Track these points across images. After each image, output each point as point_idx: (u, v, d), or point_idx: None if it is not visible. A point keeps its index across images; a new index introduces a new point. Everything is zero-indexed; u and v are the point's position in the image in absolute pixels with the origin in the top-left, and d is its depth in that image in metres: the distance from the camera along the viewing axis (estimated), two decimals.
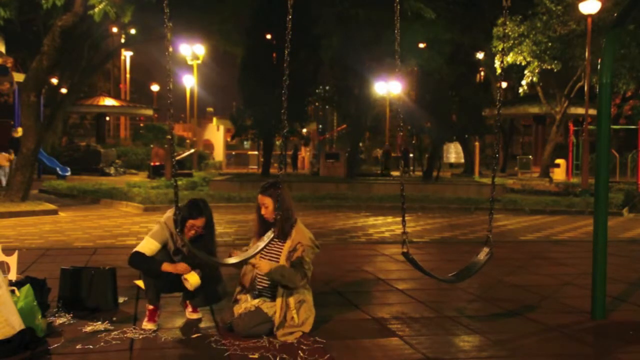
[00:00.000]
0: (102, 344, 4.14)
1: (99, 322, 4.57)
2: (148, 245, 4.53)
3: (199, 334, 4.40)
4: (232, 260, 4.58)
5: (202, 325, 4.65)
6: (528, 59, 22.24)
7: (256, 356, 3.93)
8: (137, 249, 4.53)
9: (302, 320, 4.39)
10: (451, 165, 33.00)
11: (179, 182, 4.43)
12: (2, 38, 19.46)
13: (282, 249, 4.49)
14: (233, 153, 40.11)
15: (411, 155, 29.65)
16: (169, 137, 20.82)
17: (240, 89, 21.65)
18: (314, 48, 20.62)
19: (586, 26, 19.26)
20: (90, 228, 10.46)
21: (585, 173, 19.01)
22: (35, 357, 3.87)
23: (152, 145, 27.30)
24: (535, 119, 35.57)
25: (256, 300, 4.47)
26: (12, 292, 4.12)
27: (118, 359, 3.93)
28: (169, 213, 4.59)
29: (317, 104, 38.69)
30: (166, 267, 4.48)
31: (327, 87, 27.92)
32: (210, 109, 55.24)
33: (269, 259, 4.49)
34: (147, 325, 4.50)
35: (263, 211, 4.51)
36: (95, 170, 24.89)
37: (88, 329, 4.44)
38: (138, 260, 4.51)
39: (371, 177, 23.70)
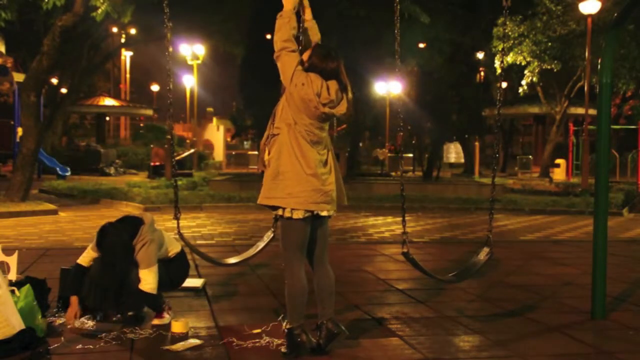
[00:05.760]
0: (102, 344, 4.14)
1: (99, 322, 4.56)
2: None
3: (199, 335, 4.41)
4: (232, 260, 4.60)
5: (203, 325, 4.65)
6: (528, 59, 22.24)
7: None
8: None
9: None
10: (451, 165, 32.93)
11: (179, 182, 4.40)
12: (2, 38, 19.44)
13: None
14: (233, 153, 40.06)
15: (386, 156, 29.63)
16: (168, 137, 20.79)
17: (240, 89, 21.61)
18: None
19: (586, 26, 19.26)
20: (90, 228, 10.44)
21: (585, 173, 18.99)
22: (35, 357, 3.87)
23: (152, 145, 27.23)
24: (535, 119, 35.56)
25: None
26: (12, 292, 4.12)
27: (118, 359, 3.93)
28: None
29: None
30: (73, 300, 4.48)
31: None
32: (210, 109, 55.05)
33: None
34: (156, 321, 4.53)
35: None
36: (95, 170, 24.83)
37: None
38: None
39: (371, 177, 23.68)
